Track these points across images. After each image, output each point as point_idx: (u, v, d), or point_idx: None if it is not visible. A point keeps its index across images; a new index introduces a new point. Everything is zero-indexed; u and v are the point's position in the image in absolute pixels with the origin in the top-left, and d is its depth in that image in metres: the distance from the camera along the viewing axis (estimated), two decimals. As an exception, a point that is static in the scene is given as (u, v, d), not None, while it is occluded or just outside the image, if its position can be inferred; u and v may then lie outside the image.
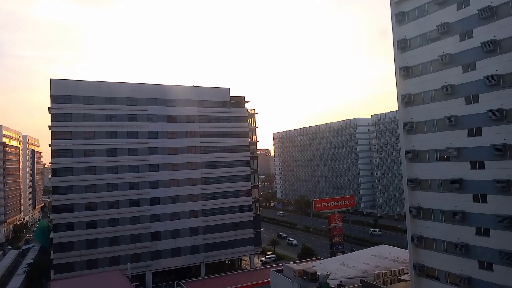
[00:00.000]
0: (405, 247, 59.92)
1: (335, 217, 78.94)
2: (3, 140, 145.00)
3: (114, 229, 70.79)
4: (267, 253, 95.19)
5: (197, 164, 79.38)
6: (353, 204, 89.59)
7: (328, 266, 49.70)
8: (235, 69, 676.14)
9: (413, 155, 39.77)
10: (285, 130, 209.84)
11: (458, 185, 35.74)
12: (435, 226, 37.65)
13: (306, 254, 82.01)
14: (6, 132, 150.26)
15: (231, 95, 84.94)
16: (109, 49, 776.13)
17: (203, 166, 79.85)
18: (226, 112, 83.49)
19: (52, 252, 68.50)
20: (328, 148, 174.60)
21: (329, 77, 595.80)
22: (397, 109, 43.21)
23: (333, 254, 74.73)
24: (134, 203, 73.13)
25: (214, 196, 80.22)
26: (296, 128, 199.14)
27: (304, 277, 42.37)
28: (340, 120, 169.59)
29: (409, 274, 41.01)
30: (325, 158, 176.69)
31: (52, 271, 66.53)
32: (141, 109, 75.54)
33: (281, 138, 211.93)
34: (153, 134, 76.15)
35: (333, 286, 40.76)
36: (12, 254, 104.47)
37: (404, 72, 41.27)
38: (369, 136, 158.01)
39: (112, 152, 72.61)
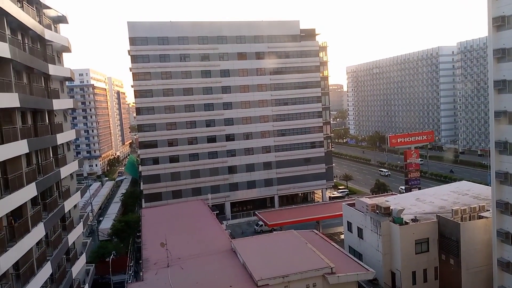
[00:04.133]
0: (487, 184, 56.78)
1: (412, 152, 76.20)
2: (91, 82, 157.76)
3: (194, 163, 76.05)
4: (339, 187, 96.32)
5: (268, 102, 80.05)
6: (431, 139, 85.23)
7: (402, 201, 49.17)
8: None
9: (503, 85, 36.01)
10: (359, 63, 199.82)
11: (556, 117, 32.10)
12: (524, 162, 34.86)
13: (380, 189, 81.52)
14: (93, 74, 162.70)
15: (301, 28, 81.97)
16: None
17: (273, 104, 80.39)
18: (296, 46, 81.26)
19: (141, 183, 76.18)
20: (406, 81, 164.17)
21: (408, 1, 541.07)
22: (487, 35, 38.67)
23: (408, 190, 73.40)
24: (211, 139, 77.08)
25: (286, 132, 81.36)
26: (371, 60, 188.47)
27: (377, 211, 42.62)
28: (420, 50, 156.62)
29: (490, 211, 39.28)
30: (402, 91, 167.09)
31: (143, 200, 74.52)
32: (212, 48, 76.46)
33: (354, 72, 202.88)
34: (225, 73, 77.42)
35: (407, 221, 40.59)
36: (108, 184, 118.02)
37: (499, -10, 36.09)
38: (453, 66, 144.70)
39: (188, 91, 75.70)
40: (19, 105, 24.51)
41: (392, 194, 66.55)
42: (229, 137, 78.03)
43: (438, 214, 41.72)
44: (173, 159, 75.18)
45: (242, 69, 78.37)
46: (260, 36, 79.14)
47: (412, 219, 41.38)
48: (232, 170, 78.20)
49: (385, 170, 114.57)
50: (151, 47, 73.38)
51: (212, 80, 76.66)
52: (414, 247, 39.61)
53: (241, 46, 78.09)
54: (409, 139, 79.09)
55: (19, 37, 27.99)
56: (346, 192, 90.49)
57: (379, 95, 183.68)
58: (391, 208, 41.94)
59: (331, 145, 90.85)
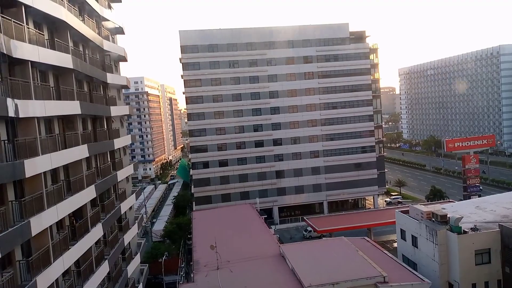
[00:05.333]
0: (559, 192, 52.08)
1: (470, 157, 71.92)
2: (146, 89, 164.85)
3: (242, 167, 76.84)
4: (392, 194, 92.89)
5: (316, 106, 79.14)
6: (492, 143, 79.92)
7: (460, 209, 46.39)
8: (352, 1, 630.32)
9: None
10: (412, 65, 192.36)
11: None
12: None
13: (436, 196, 77.59)
14: (147, 82, 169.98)
15: (350, 30, 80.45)
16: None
17: (322, 108, 79.34)
18: (345, 49, 79.79)
19: (192, 186, 78.18)
20: (463, 82, 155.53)
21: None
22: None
23: (467, 197, 69.26)
24: (259, 143, 77.49)
25: (335, 137, 79.84)
26: (425, 62, 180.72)
27: (433, 219, 40.51)
28: (479, 49, 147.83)
29: (562, 222, 36.00)
30: (458, 93, 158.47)
31: (194, 203, 76.38)
32: (260, 54, 77.06)
33: (407, 74, 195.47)
34: (273, 78, 77.65)
35: (466, 230, 38.20)
36: (161, 187, 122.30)
37: None
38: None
39: (237, 97, 76.81)
40: (80, 112, 26.11)
41: (449, 201, 63.09)
42: (277, 142, 78.03)
43: (500, 223, 38.89)
44: (222, 163, 76.43)
45: (290, 74, 78.24)
46: (308, 40, 78.61)
47: (471, 228, 38.91)
48: (279, 174, 78.06)
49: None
50: (201, 54, 75.38)
51: (260, 85, 77.21)
52: (474, 258, 37.15)
53: (289, 50, 78.01)
54: (467, 143, 74.78)
55: (80, 48, 29.88)
56: (399, 199, 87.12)
57: (434, 98, 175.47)
58: (448, 216, 39.72)
59: (383, 149, 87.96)
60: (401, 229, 46.19)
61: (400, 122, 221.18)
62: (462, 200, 66.89)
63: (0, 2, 18.95)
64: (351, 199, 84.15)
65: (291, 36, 78.01)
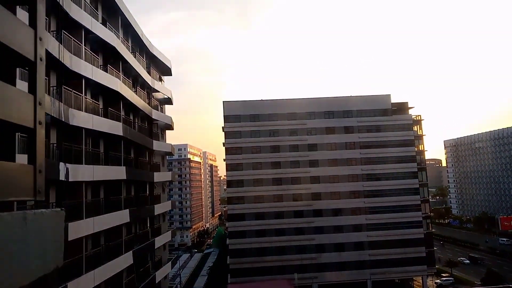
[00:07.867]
0: None
1: (531, 238, 65.72)
2: (189, 156, 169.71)
3: (280, 238, 74.15)
4: (443, 275, 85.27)
5: (358, 177, 77.13)
6: (555, 223, 73.12)
7: (525, 297, 41.43)
8: (395, 72, 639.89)
9: None
10: (458, 137, 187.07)
11: None
12: None
13: (492, 279, 70.33)
14: (190, 149, 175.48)
15: (392, 101, 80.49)
16: (265, 67, 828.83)
17: (364, 179, 77.13)
18: (388, 120, 79.20)
19: (228, 257, 75.95)
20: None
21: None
22: None
23: (530, 283, 62.21)
24: (298, 214, 75.33)
25: (378, 210, 76.26)
26: (473, 134, 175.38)
27: (493, 307, 36.28)
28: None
29: None
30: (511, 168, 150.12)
31: (229, 275, 73.56)
32: (300, 123, 78.04)
33: (454, 146, 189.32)
34: (313, 147, 77.58)
35: (534, 322, 33.68)
36: (197, 256, 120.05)
37: None
38: None
39: (276, 165, 76.79)
40: (125, 178, 26.77)
41: (508, 286, 56.84)
42: (317, 213, 75.54)
43: None
44: (260, 233, 74.29)
45: (330, 143, 77.90)
46: (349, 111, 79.03)
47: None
48: (319, 248, 74.29)
49: None
50: (243, 124, 77.44)
51: (299, 154, 77.11)
52: None
53: (330, 121, 78.51)
54: (526, 222, 68.90)
55: (131, 117, 31.52)
56: (451, 281, 79.68)
57: (484, 172, 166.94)
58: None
59: (431, 225, 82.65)
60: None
61: (449, 197, 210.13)
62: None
63: (64, 75, 20.66)
64: (398, 279, 77.81)
65: (332, 107, 78.91)
